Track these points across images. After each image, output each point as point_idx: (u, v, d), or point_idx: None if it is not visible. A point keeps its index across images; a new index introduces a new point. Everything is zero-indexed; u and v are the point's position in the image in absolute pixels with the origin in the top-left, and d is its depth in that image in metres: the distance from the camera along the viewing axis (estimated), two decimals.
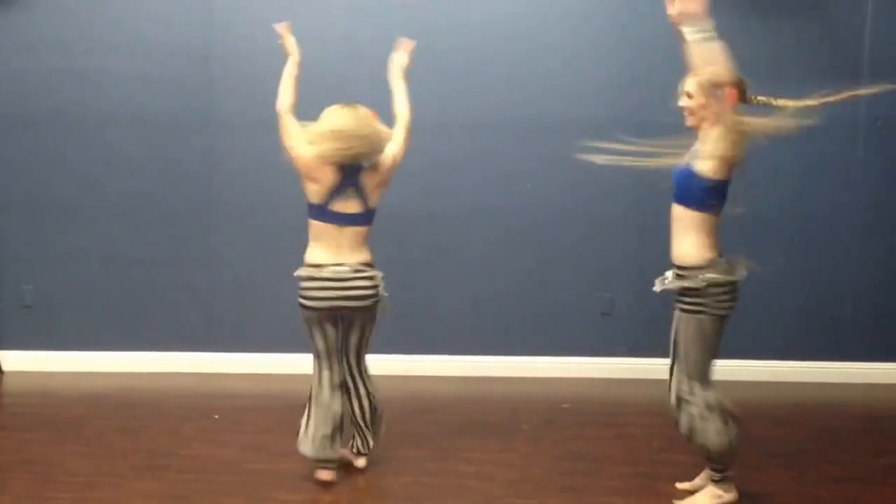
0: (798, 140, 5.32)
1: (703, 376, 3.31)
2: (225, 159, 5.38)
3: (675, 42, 5.27)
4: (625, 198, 5.34)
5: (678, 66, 5.23)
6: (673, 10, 3.15)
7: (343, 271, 3.60)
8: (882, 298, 5.38)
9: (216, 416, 4.67)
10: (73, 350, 5.47)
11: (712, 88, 3.17)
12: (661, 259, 5.34)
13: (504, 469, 3.98)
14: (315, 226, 3.66)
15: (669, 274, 3.37)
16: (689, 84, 3.30)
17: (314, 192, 3.63)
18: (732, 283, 3.26)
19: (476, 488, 3.75)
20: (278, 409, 4.80)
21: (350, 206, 3.60)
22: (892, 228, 5.36)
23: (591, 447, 4.27)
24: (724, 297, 3.25)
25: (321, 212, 3.62)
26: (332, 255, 3.62)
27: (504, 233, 5.41)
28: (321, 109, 3.77)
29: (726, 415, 3.31)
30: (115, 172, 5.39)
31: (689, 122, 3.32)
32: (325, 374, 3.72)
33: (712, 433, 3.29)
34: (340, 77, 5.22)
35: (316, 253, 3.67)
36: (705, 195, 3.24)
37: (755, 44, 5.21)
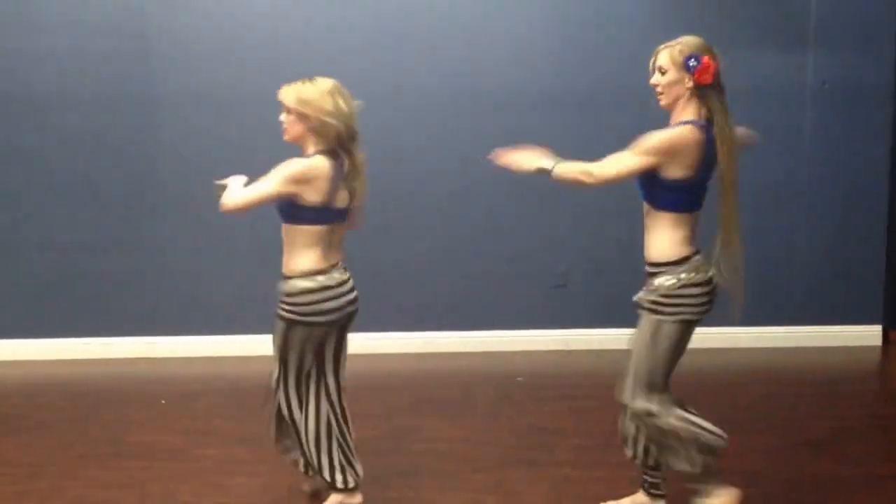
0: (743, 104, 5.32)
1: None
2: (166, 139, 5.24)
3: (636, 12, 5.30)
4: None
5: (639, 38, 5.26)
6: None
7: (345, 275, 3.23)
8: (831, 262, 5.44)
9: (163, 402, 4.59)
10: (11, 338, 5.31)
11: (687, 60, 2.89)
12: (617, 230, 5.39)
13: (459, 445, 3.96)
14: (311, 231, 3.10)
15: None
16: (662, 57, 2.95)
17: (315, 192, 3.06)
18: (709, 283, 3.00)
19: (431, 466, 3.72)
20: (227, 392, 4.73)
21: (342, 199, 3.19)
22: (839, 193, 5.42)
23: (547, 420, 4.27)
24: (699, 298, 2.98)
25: (324, 213, 3.10)
26: (331, 257, 3.18)
27: (455, 205, 5.35)
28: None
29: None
30: (52, 154, 5.23)
31: (663, 101, 2.96)
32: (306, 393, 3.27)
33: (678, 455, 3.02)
34: (299, 48, 5.11)
35: (315, 259, 3.12)
36: (672, 197, 2.95)
37: (702, 12, 5.21)
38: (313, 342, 3.15)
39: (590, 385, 4.78)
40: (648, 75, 3.04)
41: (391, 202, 5.29)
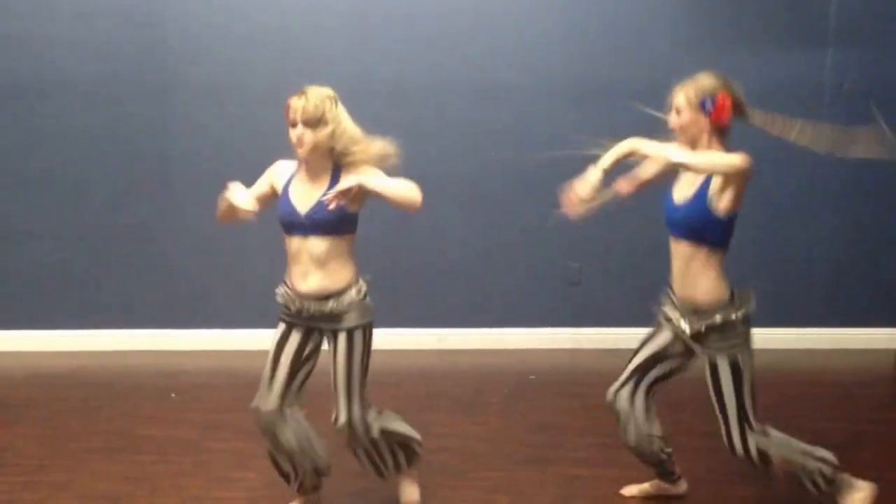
0: (762, 105, 5.33)
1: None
2: (177, 130, 5.22)
3: (653, 9, 5.26)
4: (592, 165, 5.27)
5: (646, 30, 5.24)
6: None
7: None
8: (846, 264, 5.39)
9: (174, 395, 4.57)
10: (23, 329, 5.31)
11: (703, 102, 2.91)
12: (630, 229, 5.35)
13: (472, 442, 3.94)
14: (353, 239, 3.09)
15: (682, 321, 3.05)
16: (678, 99, 2.97)
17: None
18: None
19: (444, 462, 3.70)
20: (237, 386, 4.67)
21: None
22: (856, 195, 5.37)
23: (559, 418, 4.24)
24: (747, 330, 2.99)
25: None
26: None
27: (469, 201, 5.32)
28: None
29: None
30: (62, 144, 5.21)
31: (682, 141, 2.98)
32: None
33: (799, 458, 3.04)
34: (312, 39, 5.10)
35: (356, 266, 3.10)
36: (726, 232, 2.95)
37: (715, 8, 5.17)
38: None
39: (602, 383, 4.67)
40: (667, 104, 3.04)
41: None
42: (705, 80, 2.95)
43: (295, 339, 3.08)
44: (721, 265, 2.98)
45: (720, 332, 2.95)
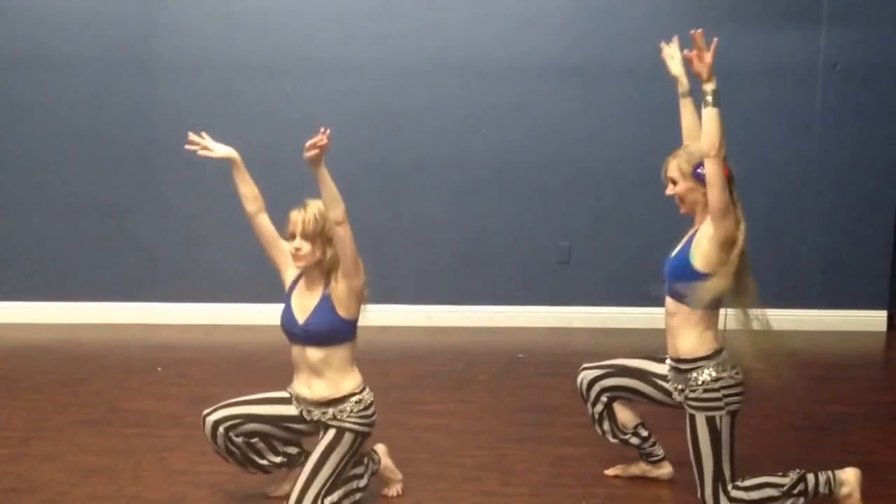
0: (756, 86, 5.32)
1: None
2: (167, 103, 5.18)
3: None
4: (584, 146, 5.25)
5: (641, 10, 5.18)
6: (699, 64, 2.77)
7: None
8: (838, 245, 5.40)
9: (160, 369, 4.56)
10: (6, 301, 5.28)
11: (696, 169, 2.89)
12: (620, 208, 5.34)
13: (460, 421, 3.93)
14: (355, 345, 3.05)
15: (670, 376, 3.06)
16: (671, 169, 2.96)
17: (359, 299, 3.00)
18: (739, 372, 2.96)
19: (432, 441, 3.69)
20: (223, 360, 4.72)
21: None
22: (848, 175, 5.37)
23: (547, 397, 4.23)
24: (739, 388, 2.95)
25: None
26: None
27: (459, 181, 5.30)
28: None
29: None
30: (50, 116, 5.19)
31: (682, 210, 2.97)
32: None
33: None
34: (302, 14, 5.04)
35: (359, 372, 3.07)
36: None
37: None
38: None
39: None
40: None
41: (394, 178, 5.24)
42: (692, 148, 2.94)
43: (291, 410, 3.05)
44: (705, 322, 2.93)
45: (701, 390, 2.93)
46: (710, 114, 2.76)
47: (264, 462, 3.09)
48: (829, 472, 3.03)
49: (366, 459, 3.19)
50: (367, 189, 5.08)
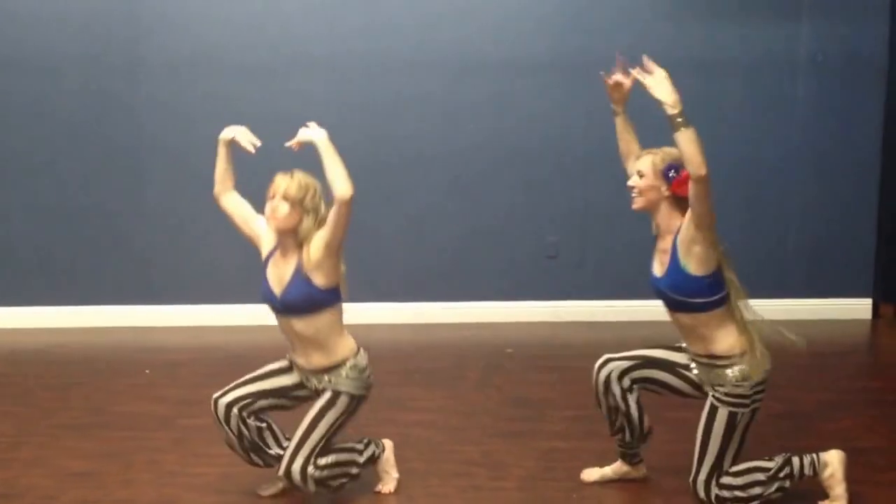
0: (737, 77, 5.35)
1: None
2: (154, 104, 5.19)
3: None
4: (571, 140, 5.27)
5: (627, 5, 5.20)
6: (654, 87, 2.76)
7: None
8: (822, 235, 5.44)
9: (147, 372, 4.55)
10: None
11: (668, 170, 2.90)
12: (607, 202, 5.36)
13: (449, 416, 3.94)
14: (341, 309, 3.06)
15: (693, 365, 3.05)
16: (643, 162, 2.96)
17: (336, 269, 3.02)
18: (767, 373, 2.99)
19: (421, 437, 3.71)
20: (213, 362, 4.71)
21: None
22: (831, 165, 5.41)
23: (536, 392, 4.26)
24: (763, 386, 2.99)
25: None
26: None
27: (447, 176, 5.31)
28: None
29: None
30: (36, 119, 5.17)
31: (637, 203, 2.98)
32: None
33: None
34: (288, 13, 5.03)
35: (350, 337, 3.10)
36: (714, 289, 2.91)
37: None
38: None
39: (579, 356, 4.72)
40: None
41: (383, 174, 5.24)
42: (673, 151, 2.92)
43: (291, 378, 3.10)
44: (731, 318, 2.95)
45: (731, 386, 2.95)
46: (686, 137, 2.74)
47: (271, 452, 3.11)
48: (813, 455, 3.06)
49: (371, 443, 3.20)
50: (355, 186, 5.08)
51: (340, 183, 2.90)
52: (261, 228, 3.10)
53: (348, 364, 3.02)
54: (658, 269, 3.00)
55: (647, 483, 3.29)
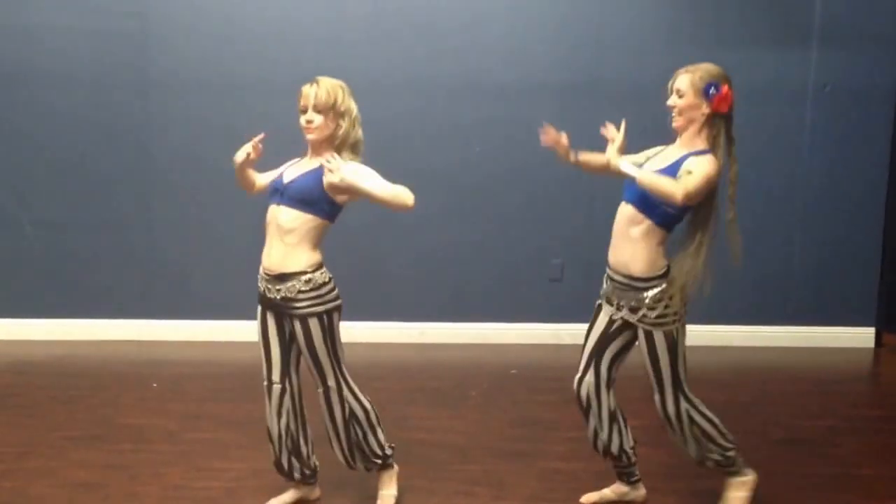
0: (746, 106, 5.34)
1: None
2: (162, 120, 5.22)
3: (629, 7, 5.29)
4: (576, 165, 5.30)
5: (631, 29, 5.26)
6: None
7: None
8: (826, 264, 5.45)
9: (154, 385, 4.58)
10: (2, 318, 5.30)
11: (707, 87, 2.93)
12: (612, 226, 5.35)
13: (453, 435, 3.96)
14: (325, 227, 3.06)
15: (615, 299, 3.10)
16: (682, 81, 2.97)
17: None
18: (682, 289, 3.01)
19: (424, 455, 3.72)
20: (218, 377, 4.73)
21: None
22: (839, 195, 5.42)
23: (539, 412, 4.27)
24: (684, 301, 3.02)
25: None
26: None
27: (452, 197, 5.34)
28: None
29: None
30: (44, 133, 5.21)
31: (677, 123, 2.99)
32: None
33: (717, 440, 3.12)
34: (295, 33, 5.08)
35: (319, 254, 3.07)
36: (675, 216, 2.98)
37: (700, 8, 5.20)
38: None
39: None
40: (666, 91, 3.04)
41: None
42: (711, 68, 2.98)
43: (272, 321, 3.12)
44: (662, 242, 3.01)
45: (655, 308, 3.00)
46: (646, 183, 2.85)
47: (302, 452, 3.18)
48: (741, 460, 3.16)
49: (393, 454, 3.24)
50: (359, 206, 5.12)
51: (398, 203, 2.96)
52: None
53: (303, 278, 2.99)
54: (656, 163, 3.02)
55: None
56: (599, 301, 3.21)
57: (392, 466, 3.28)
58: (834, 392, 4.68)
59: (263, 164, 3.22)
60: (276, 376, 3.12)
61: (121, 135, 5.21)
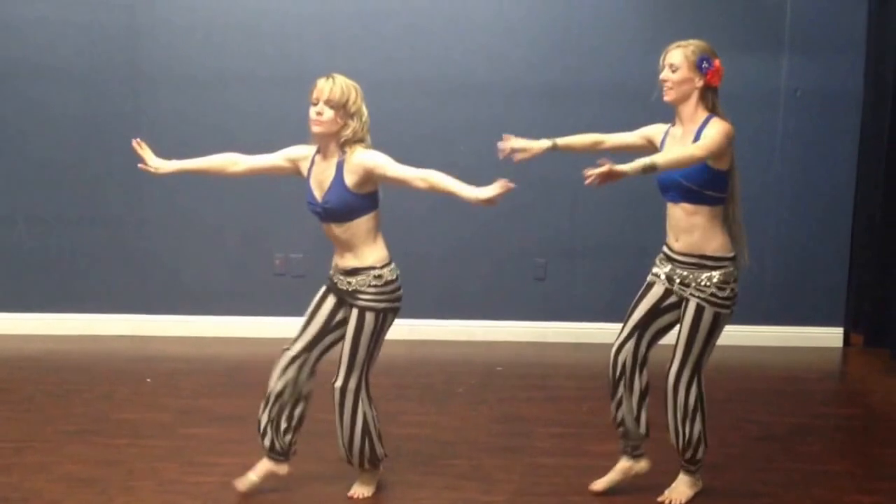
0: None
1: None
2: (151, 113, 5.20)
3: (609, 12, 5.38)
4: (560, 164, 5.38)
5: (611, 33, 5.34)
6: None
7: None
8: (796, 265, 5.52)
9: (149, 380, 4.61)
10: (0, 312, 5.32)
11: (701, 62, 3.03)
12: (595, 226, 5.46)
13: (439, 431, 4.03)
14: (377, 216, 3.20)
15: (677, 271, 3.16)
16: (675, 56, 3.05)
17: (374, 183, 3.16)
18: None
19: (412, 450, 3.79)
20: (213, 372, 4.76)
21: None
22: (810, 198, 5.49)
23: (524, 409, 4.35)
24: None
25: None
26: None
27: (438, 197, 5.34)
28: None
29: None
30: (35, 128, 5.21)
31: (670, 96, 3.06)
32: None
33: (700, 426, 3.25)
34: (286, 28, 5.11)
35: (385, 247, 3.22)
36: (724, 183, 3.08)
37: (676, 14, 5.26)
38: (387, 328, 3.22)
39: (567, 375, 4.88)
40: (655, 70, 3.13)
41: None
42: (701, 43, 3.09)
43: (330, 302, 3.23)
44: (724, 222, 3.13)
45: (724, 289, 3.09)
46: (664, 165, 2.91)
47: (282, 428, 3.25)
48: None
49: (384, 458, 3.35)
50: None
51: (430, 183, 3.17)
52: (294, 153, 3.20)
53: (373, 272, 3.12)
54: (674, 152, 3.05)
55: (634, 497, 3.41)
56: (651, 279, 3.25)
57: (378, 469, 3.37)
58: (804, 391, 4.77)
59: (254, 154, 3.27)
60: (297, 346, 3.22)
61: (112, 129, 5.19)
